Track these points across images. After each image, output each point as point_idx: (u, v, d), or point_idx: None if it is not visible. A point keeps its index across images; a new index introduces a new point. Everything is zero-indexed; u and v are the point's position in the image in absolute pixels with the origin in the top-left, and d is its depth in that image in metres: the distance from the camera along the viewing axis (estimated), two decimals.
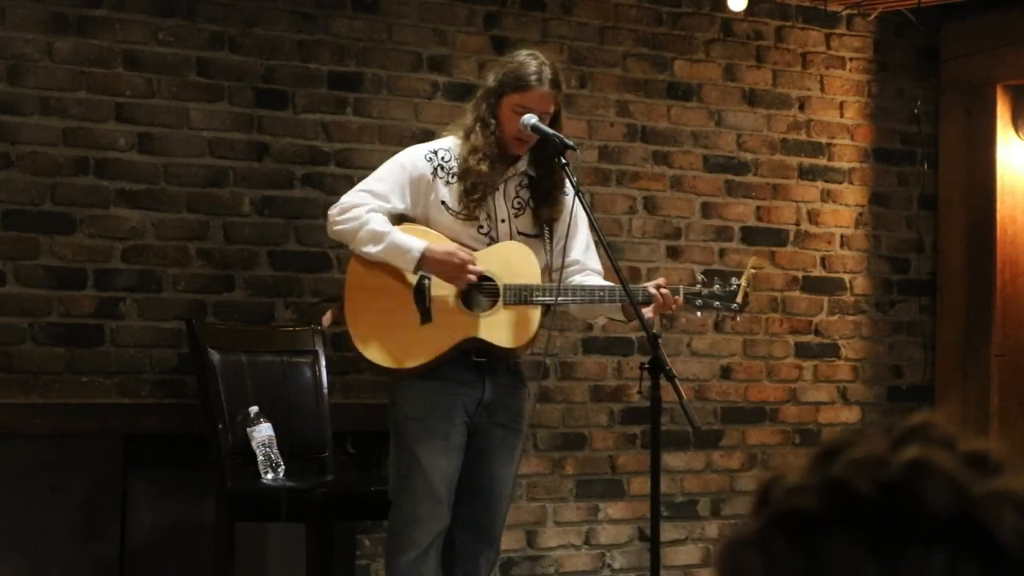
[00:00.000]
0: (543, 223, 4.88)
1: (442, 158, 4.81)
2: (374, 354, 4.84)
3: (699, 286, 4.97)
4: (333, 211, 4.84)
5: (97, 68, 5.53)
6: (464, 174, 4.77)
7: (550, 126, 4.79)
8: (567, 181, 4.84)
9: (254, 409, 5.28)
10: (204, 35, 5.71)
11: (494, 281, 4.83)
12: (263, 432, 5.26)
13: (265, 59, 5.82)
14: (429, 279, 4.80)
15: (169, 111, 5.64)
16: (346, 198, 4.84)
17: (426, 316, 4.80)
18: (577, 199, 4.79)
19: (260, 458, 5.23)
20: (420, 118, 6.04)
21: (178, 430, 5.53)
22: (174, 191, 5.65)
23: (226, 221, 5.74)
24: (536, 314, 4.86)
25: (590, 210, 4.96)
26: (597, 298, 4.85)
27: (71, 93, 5.49)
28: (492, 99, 4.79)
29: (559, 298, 4.82)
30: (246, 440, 5.26)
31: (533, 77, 4.78)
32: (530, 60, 4.83)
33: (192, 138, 5.68)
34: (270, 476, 5.22)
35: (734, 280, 4.98)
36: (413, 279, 4.81)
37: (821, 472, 1.08)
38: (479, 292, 4.83)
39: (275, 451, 5.26)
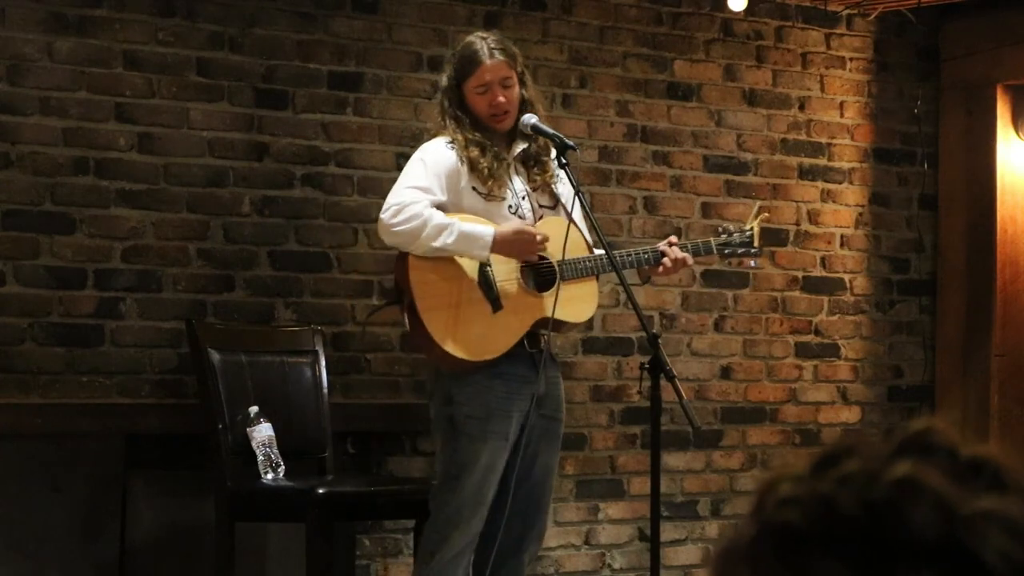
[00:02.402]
0: (554, 194, 4.94)
1: (458, 148, 4.83)
2: (457, 349, 4.76)
3: (723, 235, 5.16)
4: (386, 214, 4.74)
5: (97, 68, 5.53)
6: (472, 164, 4.80)
7: (521, 94, 4.87)
8: (550, 146, 4.90)
9: (254, 409, 5.28)
10: (204, 35, 5.71)
11: (549, 260, 4.86)
12: (263, 432, 5.26)
13: (265, 59, 5.82)
14: (490, 267, 4.80)
15: (169, 111, 5.64)
16: (396, 199, 4.76)
17: (497, 304, 4.79)
18: (577, 199, 4.81)
19: (260, 458, 5.23)
20: (420, 118, 6.02)
21: (178, 430, 5.52)
22: (174, 191, 5.65)
23: (226, 221, 5.74)
24: (595, 285, 4.95)
25: (590, 210, 4.98)
26: (638, 263, 4.94)
27: (71, 93, 5.49)
28: (452, 94, 4.86)
29: (606, 266, 4.87)
30: (246, 440, 5.25)
31: (478, 54, 4.85)
32: (472, 41, 4.93)
33: (192, 138, 5.68)
34: (270, 476, 5.22)
35: (745, 228, 5.19)
36: (474, 270, 4.80)
37: (813, 484, 1.07)
38: (536, 273, 4.86)
39: (275, 451, 5.26)
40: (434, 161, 4.80)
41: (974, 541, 1.03)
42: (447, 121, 4.84)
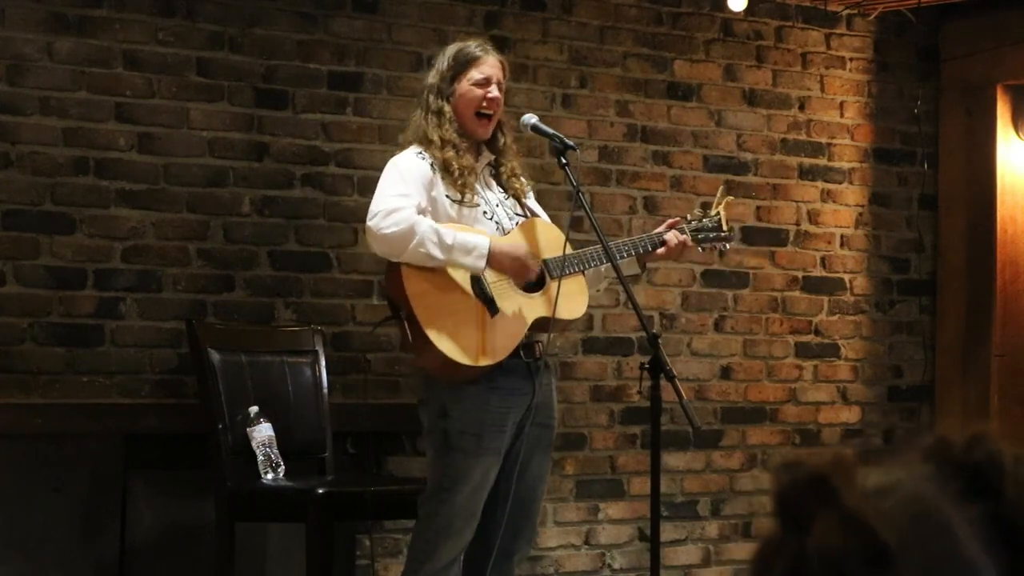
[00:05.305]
0: (522, 204, 4.91)
1: (428, 157, 4.78)
2: (462, 356, 4.69)
3: (693, 222, 5.09)
4: (374, 219, 4.64)
5: (97, 68, 5.53)
6: (445, 167, 4.73)
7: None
8: (514, 154, 4.90)
9: (254, 409, 5.28)
10: (204, 35, 5.71)
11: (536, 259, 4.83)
12: (263, 432, 5.26)
13: (265, 59, 5.82)
14: (482, 272, 4.75)
15: (169, 111, 5.64)
16: (382, 205, 4.66)
17: (493, 308, 4.74)
18: (579, 198, 4.79)
19: (260, 458, 5.23)
20: None
21: (178, 430, 5.52)
22: (174, 191, 5.65)
23: (226, 221, 5.74)
24: (583, 281, 4.91)
25: (590, 210, 4.97)
26: (626, 254, 4.90)
27: (71, 93, 5.49)
28: (443, 86, 4.79)
29: (592, 259, 4.85)
30: (246, 440, 5.26)
31: (478, 49, 4.84)
32: (468, 43, 4.91)
33: (192, 138, 5.68)
34: (270, 476, 5.22)
35: (712, 213, 5.13)
36: (467, 277, 4.73)
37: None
38: None
39: (275, 451, 5.26)
40: (408, 169, 4.72)
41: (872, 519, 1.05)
42: (428, 117, 4.77)
